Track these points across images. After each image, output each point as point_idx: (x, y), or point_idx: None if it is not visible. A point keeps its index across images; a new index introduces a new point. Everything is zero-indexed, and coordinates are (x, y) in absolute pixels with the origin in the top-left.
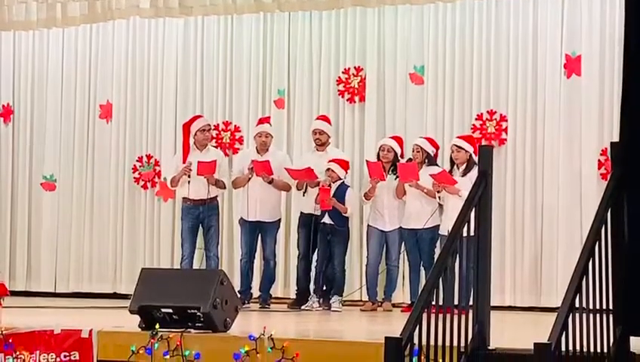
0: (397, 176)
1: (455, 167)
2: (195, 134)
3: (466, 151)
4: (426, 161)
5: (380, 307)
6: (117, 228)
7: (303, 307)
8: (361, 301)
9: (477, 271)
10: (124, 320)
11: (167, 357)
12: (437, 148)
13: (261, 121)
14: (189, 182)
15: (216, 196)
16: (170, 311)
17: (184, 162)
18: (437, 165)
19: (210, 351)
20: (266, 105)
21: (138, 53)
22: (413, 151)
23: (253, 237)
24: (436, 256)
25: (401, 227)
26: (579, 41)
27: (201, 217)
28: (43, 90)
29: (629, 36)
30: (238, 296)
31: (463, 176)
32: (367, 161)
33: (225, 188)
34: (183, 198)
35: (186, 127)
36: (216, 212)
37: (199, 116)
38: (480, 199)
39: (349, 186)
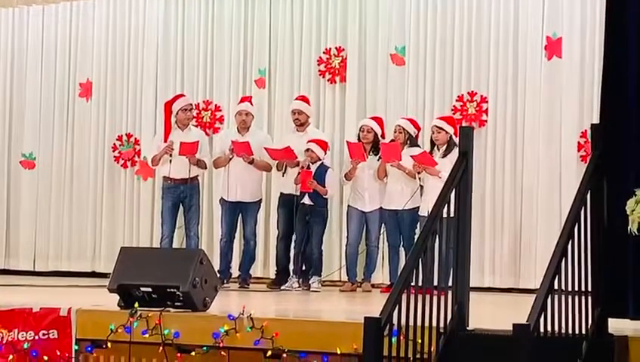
0: (379, 157)
1: (435, 148)
2: (177, 113)
3: (447, 132)
4: (408, 141)
5: (359, 287)
6: (96, 207)
7: (282, 287)
8: (340, 281)
9: (456, 252)
10: (103, 298)
11: (146, 335)
12: (419, 129)
13: (242, 100)
14: (170, 161)
15: (197, 175)
16: (150, 290)
17: (165, 141)
18: (418, 146)
19: (189, 330)
20: (246, 85)
21: (118, 31)
22: (395, 132)
23: (234, 217)
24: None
25: (381, 208)
26: (560, 23)
27: (181, 196)
28: (23, 68)
29: (610, 18)
30: (218, 275)
31: (443, 157)
32: (347, 141)
33: (206, 168)
34: (164, 177)
35: (168, 106)
36: (197, 191)
37: (181, 95)
38: (460, 180)
39: (329, 167)
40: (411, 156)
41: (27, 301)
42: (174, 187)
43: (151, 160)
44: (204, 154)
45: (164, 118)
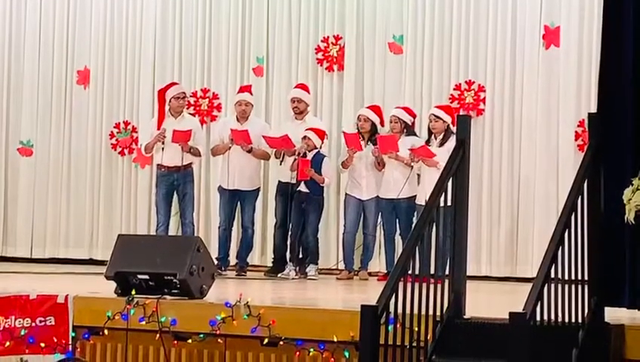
0: (376, 147)
1: (432, 136)
2: (170, 101)
3: (444, 121)
4: (405, 130)
5: (356, 276)
6: (94, 195)
7: (279, 275)
8: (337, 269)
9: (453, 240)
10: (101, 286)
11: (143, 323)
12: (414, 116)
13: (242, 90)
14: (162, 148)
15: (191, 163)
16: (147, 277)
17: (159, 128)
18: (415, 134)
19: (186, 318)
20: (244, 73)
21: (116, 18)
22: (391, 122)
23: (232, 206)
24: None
25: (378, 196)
26: (558, 12)
27: (175, 184)
28: (20, 55)
29: (608, 7)
30: (216, 263)
31: (440, 146)
32: (343, 132)
33: (200, 155)
34: (158, 165)
35: (162, 94)
36: (191, 179)
37: (174, 83)
38: (457, 169)
39: (325, 155)
40: (410, 150)
41: (24, 288)
42: (167, 174)
43: (144, 147)
44: (199, 142)
45: (157, 106)
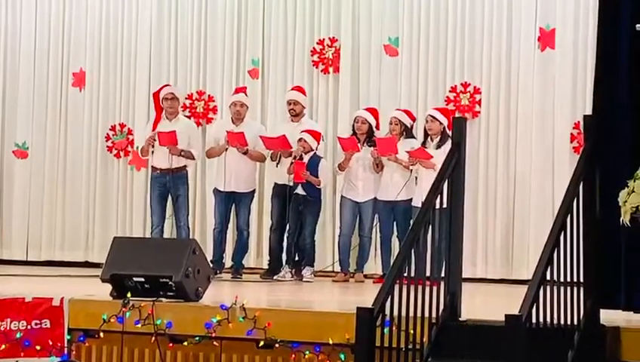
0: (375, 149)
1: (429, 138)
2: (161, 103)
3: (440, 122)
4: (404, 133)
5: (351, 278)
6: (89, 197)
7: (275, 277)
8: (333, 272)
9: (449, 242)
10: (96, 288)
11: (139, 325)
12: (414, 120)
13: (237, 91)
14: (152, 152)
15: (185, 166)
16: (142, 279)
17: (153, 131)
18: (414, 137)
19: (181, 320)
20: (240, 75)
21: (112, 20)
22: (390, 124)
23: (227, 208)
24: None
25: (375, 198)
26: (553, 14)
27: (168, 186)
28: (16, 57)
29: (604, 10)
30: (211, 265)
31: (437, 148)
32: (338, 137)
33: (193, 158)
34: (152, 167)
35: (157, 96)
36: (184, 181)
37: (166, 85)
38: (453, 171)
39: (322, 157)
40: (407, 152)
41: (20, 290)
42: (160, 176)
43: (140, 150)
44: (193, 144)
45: (155, 109)
